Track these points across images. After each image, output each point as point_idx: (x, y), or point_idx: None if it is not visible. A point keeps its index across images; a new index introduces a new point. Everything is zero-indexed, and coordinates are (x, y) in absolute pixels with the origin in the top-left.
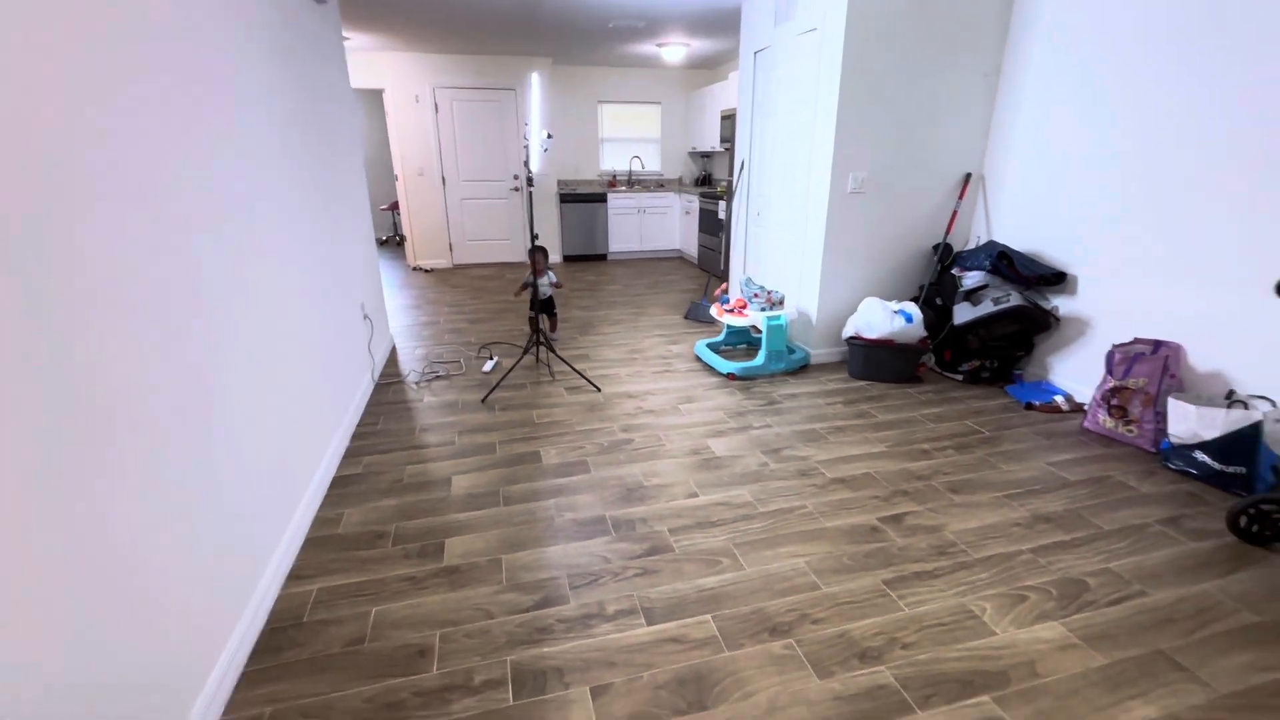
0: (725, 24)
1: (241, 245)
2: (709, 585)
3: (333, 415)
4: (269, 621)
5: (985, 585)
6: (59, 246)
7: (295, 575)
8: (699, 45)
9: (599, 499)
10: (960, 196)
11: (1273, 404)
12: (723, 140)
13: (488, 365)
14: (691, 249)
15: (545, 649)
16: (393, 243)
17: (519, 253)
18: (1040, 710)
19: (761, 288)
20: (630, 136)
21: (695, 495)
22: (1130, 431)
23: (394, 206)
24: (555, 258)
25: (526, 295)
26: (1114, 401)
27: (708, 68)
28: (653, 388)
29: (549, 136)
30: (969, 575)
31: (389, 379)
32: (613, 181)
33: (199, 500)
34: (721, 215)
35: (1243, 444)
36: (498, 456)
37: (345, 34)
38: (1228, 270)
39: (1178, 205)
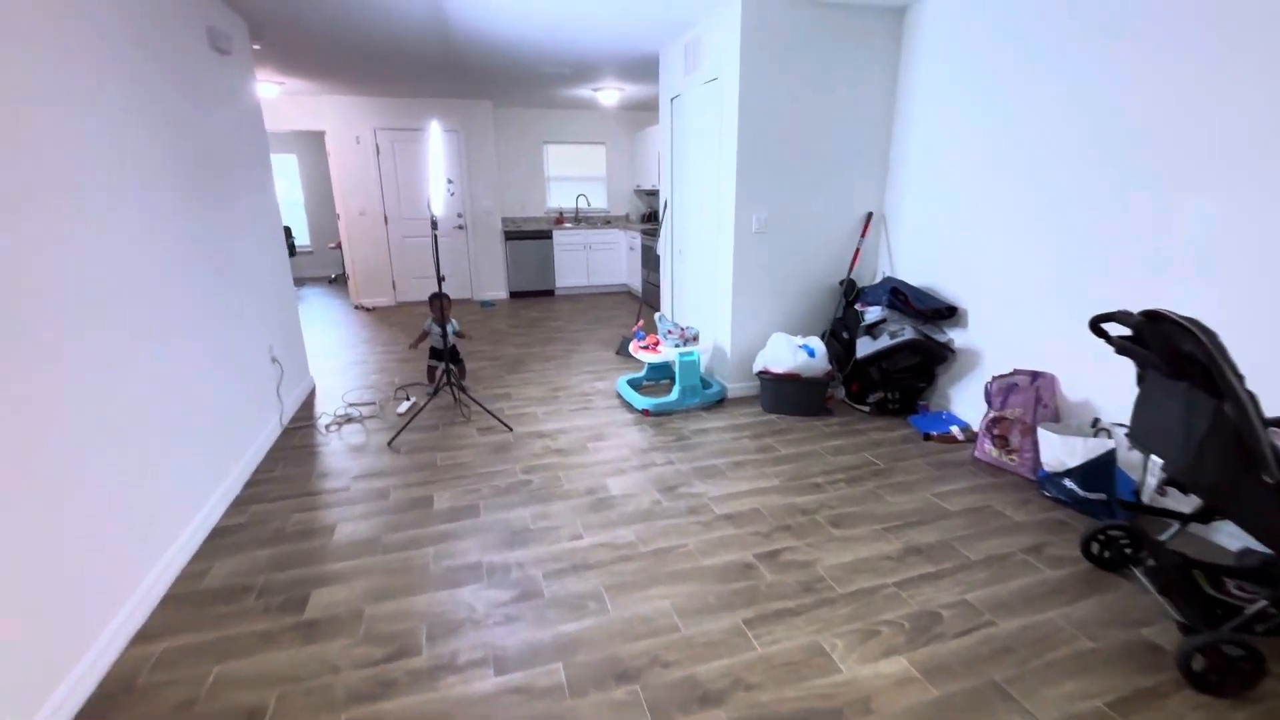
0: (648, 71)
1: (93, 287)
2: (568, 631)
3: (217, 465)
4: (100, 686)
5: (843, 621)
6: None
7: (142, 635)
8: (632, 90)
9: (480, 544)
10: (862, 235)
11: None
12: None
13: (403, 406)
14: (637, 283)
15: (384, 704)
16: (341, 280)
17: (463, 289)
18: None
19: (675, 324)
20: (577, 175)
21: (579, 537)
22: (1012, 460)
23: (340, 245)
24: (501, 294)
25: (425, 346)
26: (995, 431)
27: (647, 109)
28: (566, 426)
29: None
30: (829, 611)
31: (300, 423)
32: (560, 219)
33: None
34: (659, 250)
35: (1101, 470)
36: (389, 503)
37: (280, 79)
38: (1094, 301)
39: (1053, 239)
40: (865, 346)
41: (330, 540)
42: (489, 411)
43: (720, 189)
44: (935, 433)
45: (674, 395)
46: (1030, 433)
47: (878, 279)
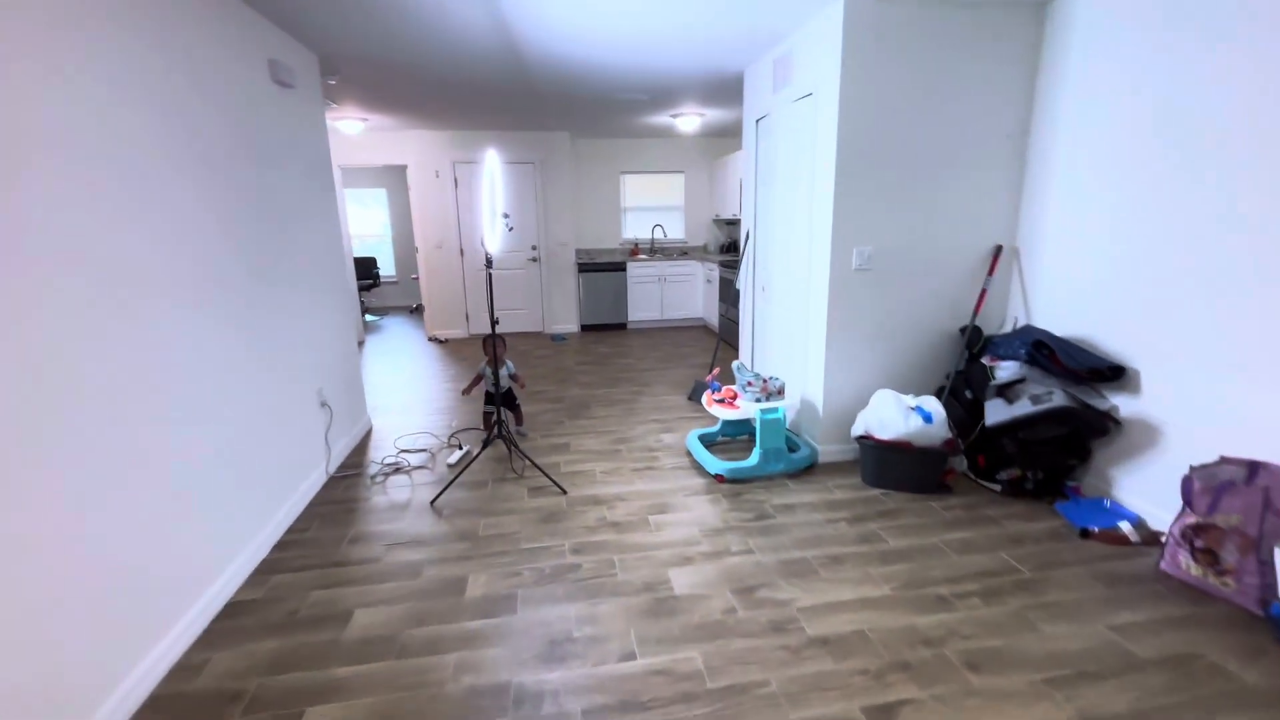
0: (730, 93)
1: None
2: None
3: (242, 529)
4: None
5: None
6: None
7: None
8: (712, 115)
9: (511, 654)
10: (989, 272)
11: None
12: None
13: (454, 456)
14: (714, 318)
15: None
16: (421, 311)
17: (535, 322)
18: None
19: (756, 375)
20: (654, 205)
21: (632, 657)
22: (1225, 585)
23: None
24: (573, 327)
25: (479, 392)
26: (1198, 543)
27: (729, 135)
28: (626, 490)
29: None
30: None
31: (348, 471)
32: (635, 250)
33: None
34: (737, 284)
35: None
36: (418, 583)
37: (362, 114)
38: None
39: (1270, 284)
40: (998, 411)
41: (343, 633)
42: (541, 470)
43: (813, 219)
44: (1096, 528)
45: (754, 459)
46: (1254, 549)
47: (1007, 325)
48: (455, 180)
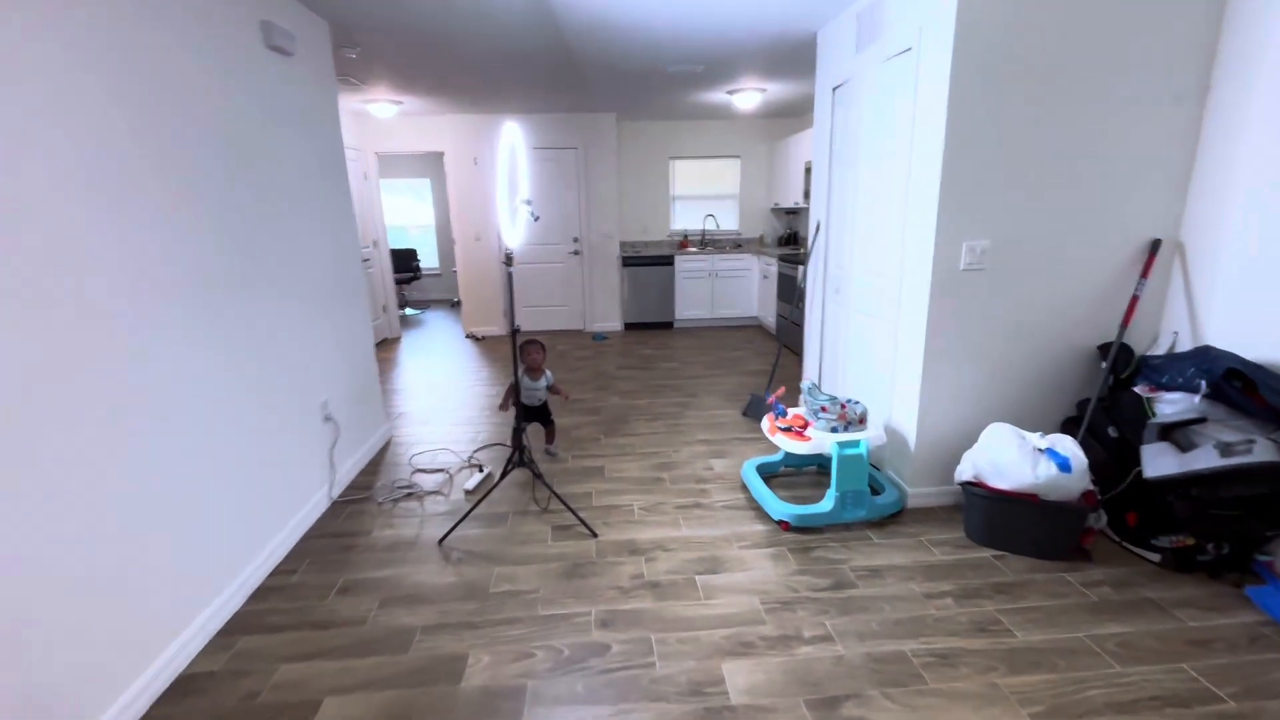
0: (798, 61)
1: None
2: None
3: (215, 574)
4: None
5: None
6: None
7: None
8: (775, 90)
9: None
10: (1144, 274)
11: None
12: (807, 195)
13: (472, 481)
14: (770, 317)
15: None
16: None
17: (575, 319)
18: None
19: (832, 398)
20: (706, 193)
21: None
22: None
23: None
24: (615, 325)
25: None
26: None
27: (792, 115)
28: (669, 537)
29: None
30: None
31: (355, 494)
32: (684, 242)
33: None
34: (801, 282)
35: None
36: (408, 659)
37: (395, 97)
38: None
39: None
40: (1164, 460)
41: None
42: (569, 508)
43: (909, 205)
44: None
45: (828, 503)
46: None
47: (1162, 343)
48: (495, 168)
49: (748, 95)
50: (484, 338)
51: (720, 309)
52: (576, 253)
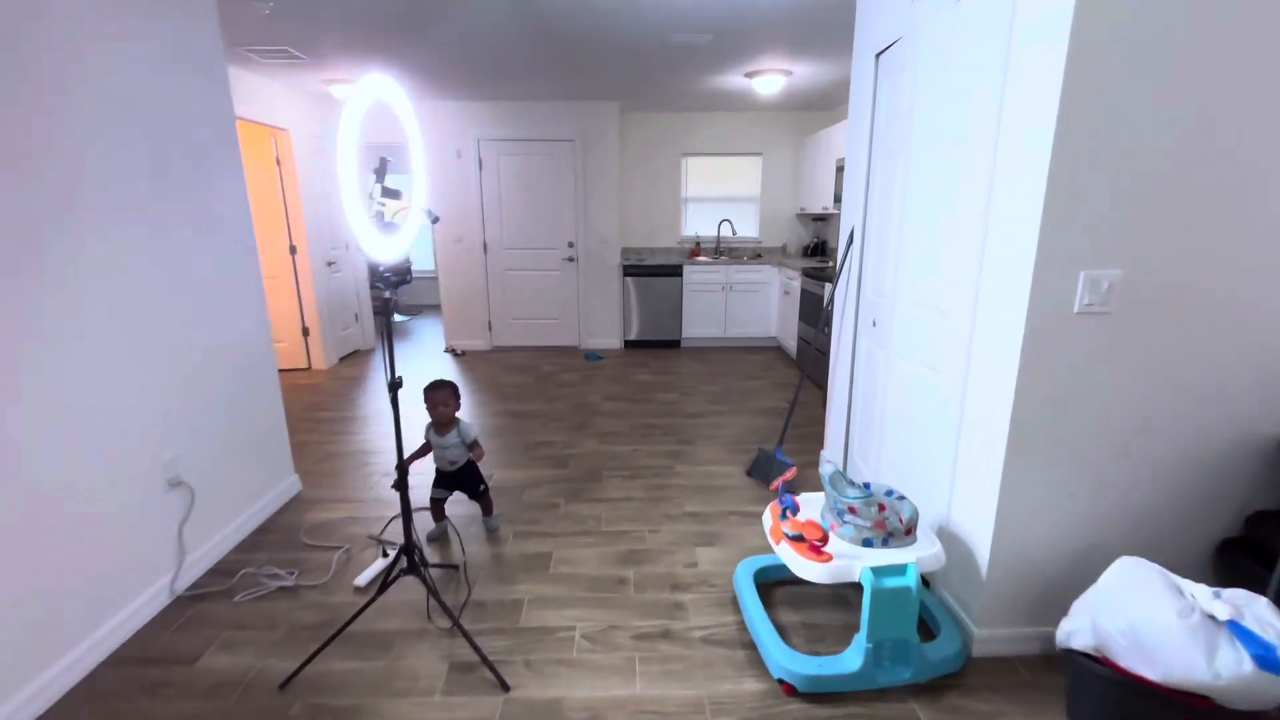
0: (830, 31)
1: None
2: None
3: None
4: None
5: None
6: None
7: None
8: (802, 73)
9: None
10: None
11: None
12: (838, 199)
13: (367, 573)
14: (791, 339)
15: None
16: None
17: (569, 335)
18: None
19: (865, 494)
20: (722, 195)
21: None
22: None
23: None
24: (614, 342)
25: (427, 465)
26: None
27: (822, 109)
28: (615, 697)
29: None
30: None
31: (213, 582)
32: (696, 250)
33: None
34: (828, 304)
35: None
36: None
37: (348, 76)
38: None
39: None
40: None
41: None
42: (474, 646)
43: (989, 213)
44: None
45: (855, 659)
46: None
47: None
48: (480, 161)
49: (769, 79)
50: (464, 353)
51: (734, 328)
52: (571, 259)
